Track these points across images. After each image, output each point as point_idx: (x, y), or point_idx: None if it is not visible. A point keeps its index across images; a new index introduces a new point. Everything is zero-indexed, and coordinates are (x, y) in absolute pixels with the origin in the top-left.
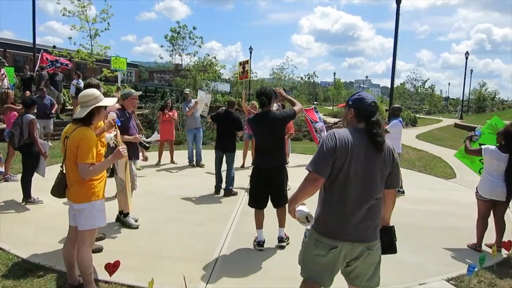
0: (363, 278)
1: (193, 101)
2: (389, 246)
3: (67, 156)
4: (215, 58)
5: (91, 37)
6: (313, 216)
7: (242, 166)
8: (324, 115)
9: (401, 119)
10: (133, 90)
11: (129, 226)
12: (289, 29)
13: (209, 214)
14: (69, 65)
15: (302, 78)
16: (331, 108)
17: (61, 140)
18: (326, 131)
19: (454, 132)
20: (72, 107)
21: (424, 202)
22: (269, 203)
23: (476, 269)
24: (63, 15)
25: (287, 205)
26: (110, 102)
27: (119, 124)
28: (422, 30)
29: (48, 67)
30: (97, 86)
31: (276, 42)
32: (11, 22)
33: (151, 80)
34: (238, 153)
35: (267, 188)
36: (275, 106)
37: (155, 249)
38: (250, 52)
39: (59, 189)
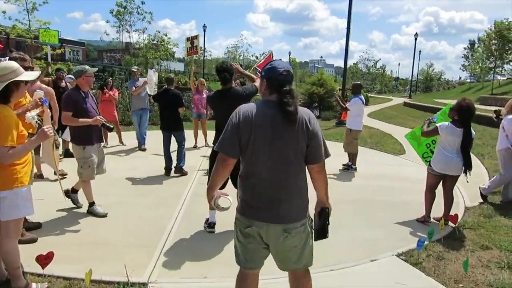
0: (287, 262)
1: (141, 80)
2: (319, 231)
3: None
4: (166, 35)
5: (28, 11)
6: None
7: (195, 147)
8: None
9: (361, 96)
10: (87, 67)
11: (96, 215)
12: (244, 8)
13: (159, 197)
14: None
15: (257, 58)
16: None
17: None
18: None
19: (404, 110)
20: None
21: (376, 178)
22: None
23: (425, 243)
24: None
25: (206, 191)
26: (31, 76)
27: (46, 104)
28: (374, 12)
29: None
30: (22, 60)
31: (231, 21)
32: None
33: (100, 59)
34: (188, 133)
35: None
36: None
37: (98, 236)
38: (204, 30)
39: None
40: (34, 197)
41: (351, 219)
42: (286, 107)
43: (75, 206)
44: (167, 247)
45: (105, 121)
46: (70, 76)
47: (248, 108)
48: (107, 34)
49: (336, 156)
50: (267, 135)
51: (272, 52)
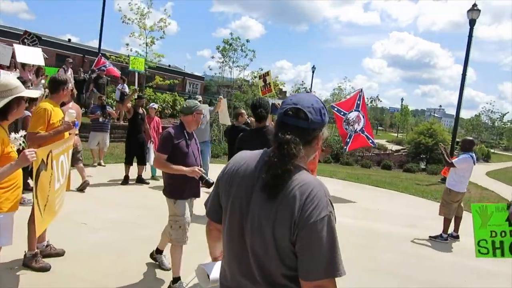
0: None
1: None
2: None
3: None
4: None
5: (146, 45)
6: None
7: None
8: (386, 141)
9: (472, 154)
10: (198, 103)
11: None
12: (361, 53)
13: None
14: (116, 75)
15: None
16: (396, 134)
17: None
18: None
19: None
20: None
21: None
22: None
23: None
24: (123, 22)
25: None
26: (33, 93)
27: (77, 127)
28: (507, 62)
29: (98, 70)
30: (63, 83)
31: (347, 64)
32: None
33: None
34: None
35: None
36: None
37: (120, 271)
38: (313, 72)
39: None
40: (77, 219)
41: None
42: (267, 165)
43: (117, 239)
44: None
45: (204, 173)
46: (153, 105)
47: (244, 154)
48: (210, 69)
49: (431, 218)
50: (244, 205)
51: (362, 90)
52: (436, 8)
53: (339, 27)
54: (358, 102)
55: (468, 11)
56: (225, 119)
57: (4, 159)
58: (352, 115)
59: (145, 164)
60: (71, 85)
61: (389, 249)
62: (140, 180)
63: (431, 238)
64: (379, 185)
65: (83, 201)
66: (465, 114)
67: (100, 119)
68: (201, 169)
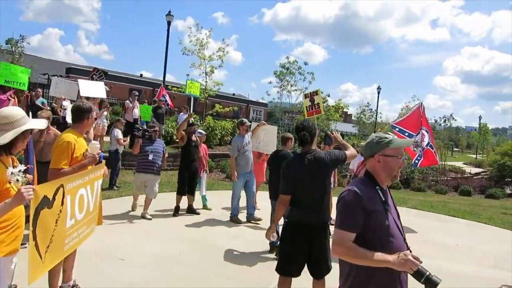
0: None
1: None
2: None
3: None
4: (329, 96)
5: (206, 74)
6: None
7: None
8: (464, 163)
9: None
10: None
11: None
12: (431, 71)
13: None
14: (170, 106)
15: (436, 121)
16: (474, 156)
17: None
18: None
19: None
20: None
21: None
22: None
23: None
24: (183, 53)
25: None
26: (39, 124)
27: (102, 159)
28: None
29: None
30: (88, 111)
31: (416, 84)
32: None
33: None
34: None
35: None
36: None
37: None
38: (378, 92)
39: None
40: (116, 254)
41: None
42: None
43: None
44: None
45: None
46: (200, 131)
47: None
48: (268, 95)
49: None
50: None
51: (422, 104)
52: None
53: (406, 46)
54: (421, 119)
55: None
56: (269, 148)
57: (2, 197)
58: (418, 136)
59: (194, 194)
60: (94, 113)
61: None
62: (190, 210)
63: None
64: (457, 215)
65: (126, 234)
66: None
67: (150, 157)
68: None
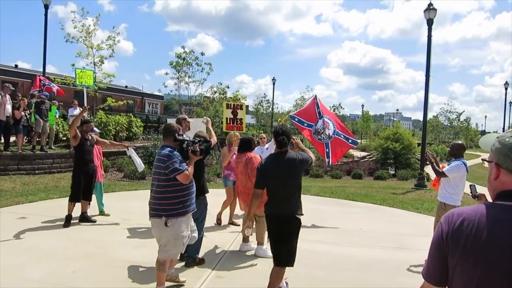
0: None
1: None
2: None
3: None
4: (228, 87)
5: (95, 64)
6: None
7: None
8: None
9: (464, 160)
10: None
11: None
12: (318, 63)
13: None
14: (53, 91)
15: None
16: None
17: None
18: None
19: None
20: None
21: None
22: None
23: None
24: (67, 41)
25: None
26: None
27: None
28: (454, 64)
29: (38, 93)
30: None
31: (305, 75)
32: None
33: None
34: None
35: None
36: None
37: None
38: (273, 83)
39: None
40: None
41: None
42: None
43: None
44: None
45: None
46: (95, 129)
47: None
48: (165, 86)
49: (420, 235)
50: None
51: (316, 96)
52: (383, 16)
53: (294, 40)
54: (318, 110)
55: (425, 10)
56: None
57: None
58: (319, 124)
59: (91, 200)
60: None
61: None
62: (85, 219)
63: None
64: (356, 199)
65: (10, 254)
66: (420, 115)
67: None
68: None
